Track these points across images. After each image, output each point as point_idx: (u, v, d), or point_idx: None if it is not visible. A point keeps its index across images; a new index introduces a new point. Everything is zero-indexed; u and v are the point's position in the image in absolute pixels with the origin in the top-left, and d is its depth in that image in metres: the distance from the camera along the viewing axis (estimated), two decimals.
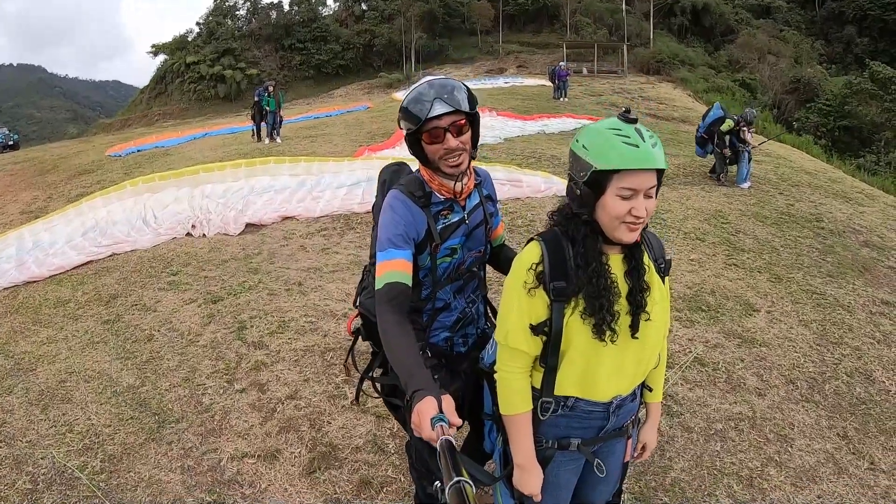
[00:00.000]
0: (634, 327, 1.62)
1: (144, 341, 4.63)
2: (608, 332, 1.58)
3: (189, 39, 51.95)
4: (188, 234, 7.38)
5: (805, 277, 6.17)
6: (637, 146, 1.47)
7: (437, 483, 1.20)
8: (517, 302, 1.64)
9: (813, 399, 4.05)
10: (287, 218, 7.94)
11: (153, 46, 53.55)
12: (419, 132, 1.85)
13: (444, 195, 1.93)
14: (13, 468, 3.27)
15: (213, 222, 7.64)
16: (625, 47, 35.96)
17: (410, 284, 1.80)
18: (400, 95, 24.76)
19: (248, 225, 7.64)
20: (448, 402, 1.41)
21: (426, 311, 2.05)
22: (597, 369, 1.65)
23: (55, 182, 11.86)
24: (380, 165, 10.13)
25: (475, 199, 2.04)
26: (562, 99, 21.86)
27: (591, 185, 1.53)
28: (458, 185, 1.92)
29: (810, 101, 32.72)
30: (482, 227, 2.06)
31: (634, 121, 1.53)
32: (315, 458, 3.24)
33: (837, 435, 3.67)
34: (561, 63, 24.20)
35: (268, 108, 14.02)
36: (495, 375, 1.74)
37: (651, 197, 1.53)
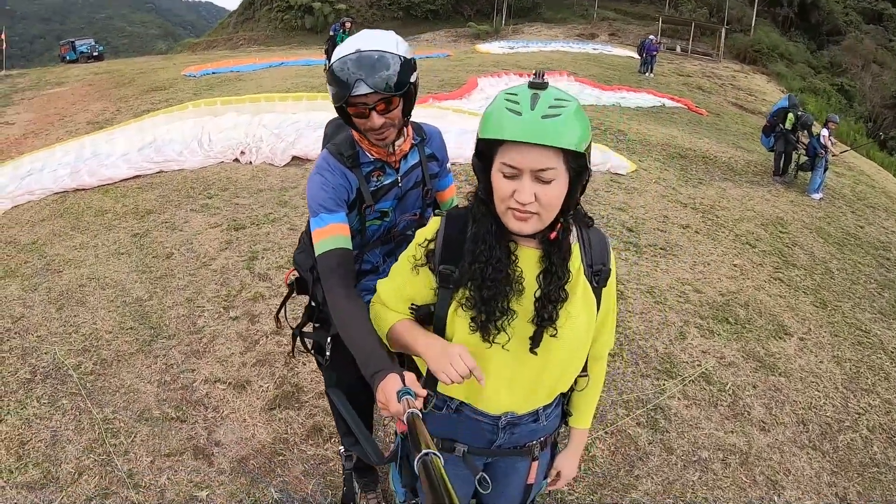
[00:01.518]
0: (535, 341, 1.35)
1: (163, 258, 4.88)
2: (494, 332, 1.33)
3: None
4: (235, 160, 7.60)
5: (853, 309, 5.52)
6: (520, 114, 1.16)
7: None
8: (400, 274, 1.48)
9: (821, 448, 3.59)
10: None
11: None
12: (344, 105, 1.74)
13: (374, 155, 1.82)
14: (19, 358, 3.59)
15: (261, 151, 7.81)
16: (723, 31, 33.37)
17: (351, 247, 1.73)
18: (484, 48, 24.13)
19: (294, 158, 7.77)
20: (410, 376, 1.33)
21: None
22: (487, 368, 1.38)
23: (127, 96, 12.39)
24: (440, 115, 10.00)
25: (413, 160, 1.90)
26: (647, 74, 20.72)
27: (480, 155, 1.29)
28: (389, 149, 1.81)
29: None
30: (418, 189, 1.95)
31: (541, 86, 1.20)
32: (278, 396, 3.37)
33: (836, 495, 3.25)
34: (651, 37, 22.83)
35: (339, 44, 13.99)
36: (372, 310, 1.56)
37: (548, 182, 1.20)
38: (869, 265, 6.80)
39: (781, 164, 9.67)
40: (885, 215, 9.32)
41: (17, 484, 2.68)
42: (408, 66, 1.70)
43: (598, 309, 1.44)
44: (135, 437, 2.99)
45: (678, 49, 32.29)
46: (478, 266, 1.31)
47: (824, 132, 9.22)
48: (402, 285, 1.46)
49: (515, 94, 1.20)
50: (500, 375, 1.40)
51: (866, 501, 3.22)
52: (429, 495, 0.94)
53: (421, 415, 1.19)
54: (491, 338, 1.33)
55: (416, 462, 1.02)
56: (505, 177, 1.22)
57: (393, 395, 1.25)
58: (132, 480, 2.73)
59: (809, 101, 23.20)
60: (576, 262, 1.39)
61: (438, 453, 1.02)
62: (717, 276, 5.49)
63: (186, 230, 5.43)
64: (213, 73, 15.07)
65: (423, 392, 1.30)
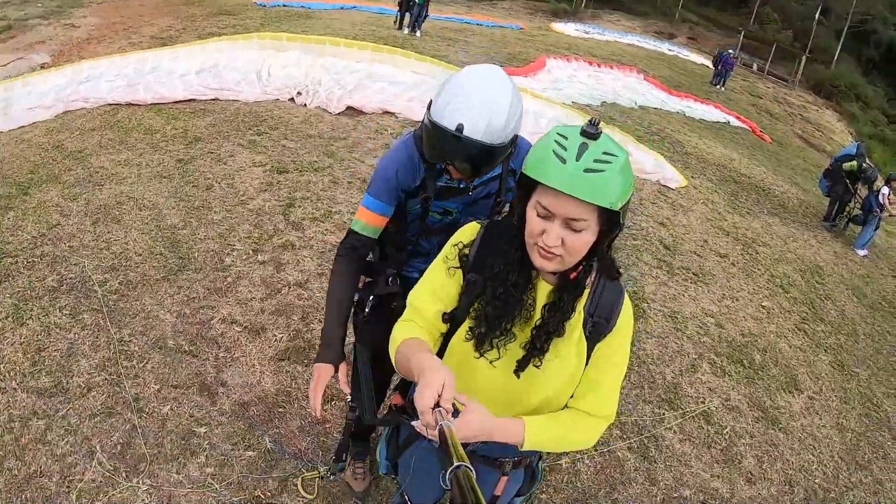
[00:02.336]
0: (521, 365, 1.38)
1: (203, 188, 4.97)
2: (487, 348, 1.38)
3: None
4: (291, 100, 7.62)
5: (869, 379, 5.36)
6: (563, 161, 1.17)
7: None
8: (435, 276, 1.49)
9: None
10: (388, 112, 7.99)
11: None
12: None
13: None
14: (49, 266, 3.73)
15: (318, 95, 7.82)
16: (804, 58, 31.91)
17: (376, 238, 1.97)
18: (559, 27, 23.51)
19: (349, 107, 7.76)
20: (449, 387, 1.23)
21: (407, 250, 2.12)
22: (469, 379, 1.45)
23: (195, 15, 12.41)
24: None
25: (494, 171, 1.92)
26: (718, 87, 20.07)
27: (521, 185, 1.30)
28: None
29: None
30: (491, 200, 1.98)
31: (594, 136, 1.19)
32: (290, 349, 3.45)
33: None
34: (730, 50, 22.04)
35: (415, 1, 13.80)
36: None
37: (580, 231, 1.22)
38: None
39: (834, 212, 9.34)
40: None
41: (28, 388, 2.82)
42: (504, 149, 1.75)
43: (587, 360, 1.42)
44: (146, 363, 3.11)
45: (754, 67, 31.12)
46: (493, 284, 1.37)
47: (885, 190, 8.85)
48: (437, 287, 1.47)
49: (566, 139, 1.20)
50: (481, 388, 1.43)
51: None
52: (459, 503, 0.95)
53: (454, 428, 1.12)
54: (482, 351, 1.39)
55: (448, 474, 1.00)
56: (538, 216, 1.25)
57: (429, 405, 1.15)
58: (137, 405, 2.85)
59: (876, 149, 22.23)
60: (580, 309, 1.39)
61: (471, 466, 1.01)
62: (743, 314, 5.38)
63: (230, 164, 5.50)
64: (284, 5, 14.98)
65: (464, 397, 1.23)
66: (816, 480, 3.81)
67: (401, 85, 8.80)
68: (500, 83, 1.71)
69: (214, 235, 4.37)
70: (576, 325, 1.39)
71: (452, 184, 1.90)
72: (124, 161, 5.24)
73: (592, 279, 1.41)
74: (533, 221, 1.26)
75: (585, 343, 1.41)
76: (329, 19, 14.06)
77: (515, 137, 1.79)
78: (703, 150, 10.15)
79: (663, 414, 3.80)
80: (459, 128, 1.64)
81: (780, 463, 3.80)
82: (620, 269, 1.46)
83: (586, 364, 1.43)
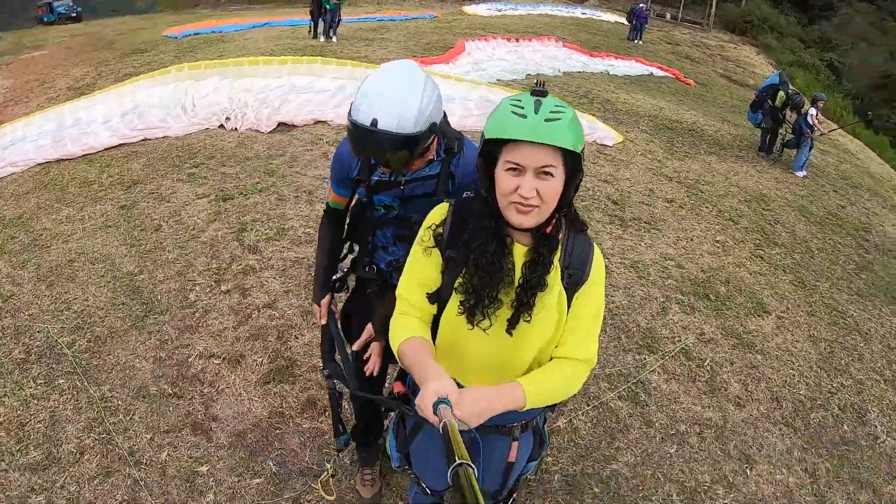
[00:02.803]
0: (512, 323, 1.46)
1: (152, 230, 4.83)
2: (479, 318, 1.45)
3: None
4: (221, 126, 7.46)
5: (831, 290, 5.58)
6: (525, 116, 1.29)
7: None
8: (416, 259, 1.56)
9: (793, 424, 3.70)
10: (320, 122, 7.91)
11: None
12: None
13: None
14: (12, 338, 3.58)
15: (247, 117, 7.68)
16: (714, 0, 32.99)
17: (342, 208, 2.25)
18: (472, 10, 23.52)
19: (280, 124, 7.64)
20: (451, 386, 1.29)
21: (369, 240, 2.22)
22: (462, 355, 1.55)
23: (107, 59, 11.98)
24: None
25: (431, 171, 1.94)
26: (636, 41, 20.41)
27: (484, 155, 1.41)
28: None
29: None
30: (428, 200, 1.92)
31: (543, 94, 1.34)
32: (272, 371, 3.41)
33: (805, 471, 3.36)
34: (641, 3, 22.43)
35: (327, 6, 13.64)
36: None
37: (547, 177, 1.33)
38: (849, 246, 6.84)
39: (767, 141, 9.66)
40: (867, 196, 9.34)
41: (19, 466, 2.72)
42: (421, 138, 1.78)
43: (567, 310, 1.50)
44: (133, 414, 3.03)
45: (668, 16, 31.84)
46: (475, 256, 1.44)
47: (812, 111, 9.17)
48: (418, 272, 1.55)
49: (519, 100, 1.34)
50: (481, 356, 1.53)
51: (835, 478, 3.35)
52: (459, 502, 0.99)
53: (456, 425, 1.16)
54: (475, 322, 1.46)
55: (449, 472, 1.04)
56: (509, 172, 1.34)
57: (430, 401, 1.22)
58: (133, 458, 2.79)
59: (797, 75, 23.02)
60: (556, 268, 1.48)
61: (472, 464, 1.03)
62: (700, 252, 5.56)
63: (174, 201, 5.36)
64: (196, 33, 14.62)
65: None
66: (801, 392, 3.99)
67: (326, 92, 8.72)
68: (410, 75, 1.79)
69: (173, 274, 4.27)
70: (555, 279, 1.47)
71: (384, 178, 1.98)
72: (66, 218, 5.05)
73: (563, 235, 1.50)
74: (505, 181, 1.35)
75: (565, 294, 1.49)
76: (243, 40, 13.77)
77: (434, 125, 1.80)
78: (632, 104, 10.39)
79: (644, 359, 3.93)
80: (374, 122, 1.70)
81: (763, 383, 3.97)
82: (585, 223, 1.54)
83: (567, 313, 1.50)
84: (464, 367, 1.56)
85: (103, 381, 3.24)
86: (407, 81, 1.77)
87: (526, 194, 1.32)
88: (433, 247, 1.52)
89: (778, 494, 3.13)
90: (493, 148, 1.36)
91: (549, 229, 1.43)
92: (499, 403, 1.37)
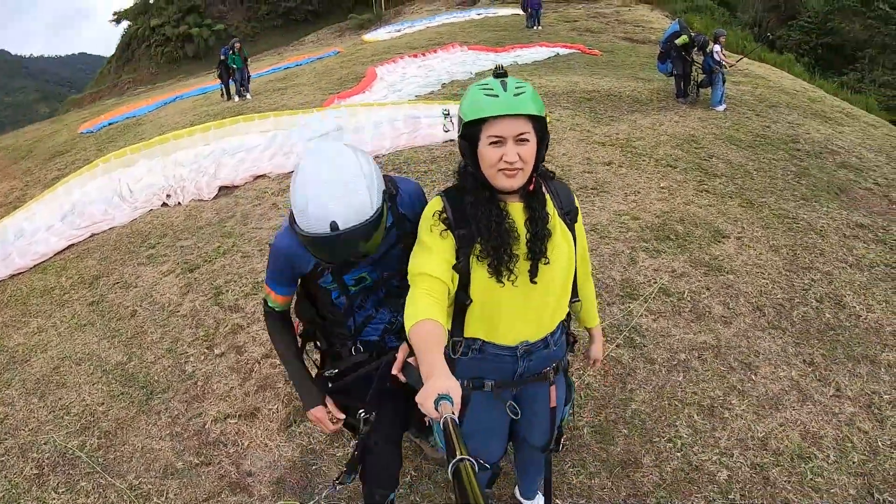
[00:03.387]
0: (533, 272, 1.66)
1: (128, 318, 4.74)
2: (506, 273, 1.62)
3: (151, 2, 49.22)
4: (164, 205, 7.35)
5: (778, 202, 5.84)
6: (497, 95, 1.52)
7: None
8: (431, 241, 1.64)
9: (780, 326, 3.89)
10: (259, 177, 7.88)
11: (115, 14, 51.01)
12: None
13: None
14: (19, 457, 3.44)
15: (186, 189, 7.59)
16: None
17: (288, 307, 2.07)
18: (371, 37, 23.70)
19: (221, 188, 7.58)
20: (454, 384, 1.31)
21: (349, 325, 2.05)
22: (497, 312, 1.70)
23: (31, 168, 11.60)
24: (350, 114, 9.84)
25: (388, 222, 1.83)
26: (535, 27, 20.82)
27: (466, 137, 1.59)
28: None
29: (792, 19, 31.01)
30: (397, 248, 1.90)
31: (504, 74, 1.58)
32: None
33: (804, 362, 3.55)
34: None
35: (234, 67, 13.60)
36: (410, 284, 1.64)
37: (524, 143, 1.54)
38: (783, 159, 7.16)
39: (682, 86, 9.95)
40: (787, 111, 9.73)
41: None
42: (382, 210, 1.70)
43: (574, 241, 1.78)
44: (166, 494, 2.98)
45: None
46: (483, 224, 1.62)
47: (716, 48, 9.52)
48: (437, 251, 1.64)
49: (487, 83, 1.57)
50: (513, 308, 1.71)
51: (832, 361, 3.57)
52: (458, 499, 0.98)
53: (457, 421, 1.19)
54: (504, 278, 1.63)
55: (449, 467, 1.05)
56: (494, 146, 1.54)
57: (431, 398, 1.25)
58: None
59: (694, 19, 23.79)
60: (550, 208, 1.73)
61: (472, 459, 1.05)
62: (649, 200, 5.77)
63: (141, 285, 5.27)
64: (110, 123, 14.29)
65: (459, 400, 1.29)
66: (778, 296, 4.22)
67: (257, 147, 8.69)
68: (342, 159, 1.67)
69: (163, 353, 4.20)
70: (555, 220, 1.73)
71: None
72: (37, 328, 4.88)
73: (545, 188, 1.73)
74: (490, 152, 1.55)
75: (568, 230, 1.77)
76: (159, 119, 13.55)
77: (384, 189, 1.73)
78: (547, 86, 10.66)
79: (629, 307, 4.08)
80: (333, 225, 1.60)
81: (741, 298, 4.18)
82: (552, 171, 1.78)
83: (574, 244, 1.79)
84: (499, 328, 1.74)
85: (126, 472, 3.16)
86: (339, 164, 1.66)
87: (511, 159, 1.53)
88: (446, 229, 1.64)
89: (786, 388, 3.32)
90: (473, 129, 1.56)
91: (531, 187, 1.66)
92: (597, 340, 2.16)
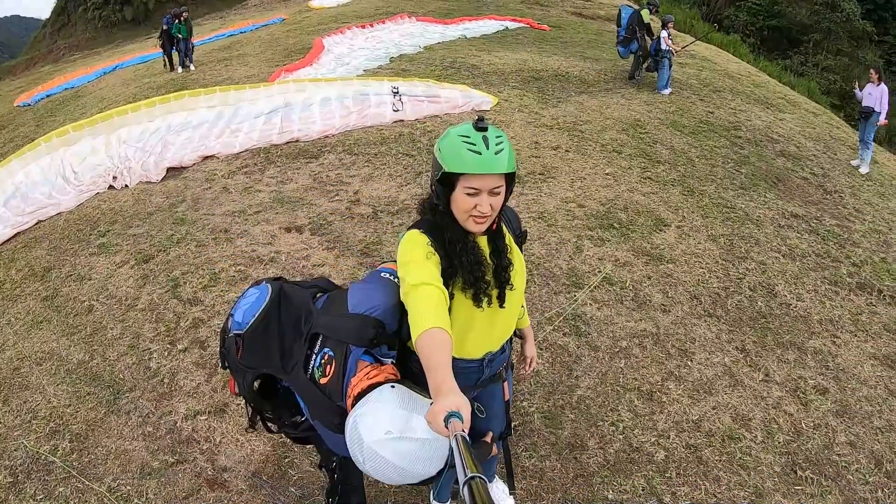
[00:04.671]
0: (501, 299, 1.82)
1: (85, 313, 4.65)
2: (485, 299, 1.78)
3: None
4: (111, 187, 7.09)
5: (717, 190, 6.01)
6: (480, 153, 1.60)
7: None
8: (425, 261, 1.67)
9: (715, 314, 4.13)
10: (208, 157, 7.69)
11: None
12: None
13: None
14: None
15: (133, 171, 7.32)
16: None
17: None
18: (318, 3, 22.80)
19: (169, 169, 7.37)
20: (463, 402, 1.32)
21: None
22: (468, 334, 1.86)
23: None
24: (297, 89, 9.61)
25: None
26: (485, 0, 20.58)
27: (442, 182, 1.68)
28: None
29: (740, 0, 31.58)
30: None
31: (484, 129, 1.64)
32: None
33: (736, 348, 3.81)
34: None
35: (179, 36, 12.91)
36: (403, 296, 1.66)
37: (497, 195, 1.67)
38: (724, 147, 7.37)
39: (640, 63, 9.97)
40: (730, 96, 9.94)
41: None
42: None
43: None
44: (146, 494, 3.04)
45: None
46: (465, 260, 1.75)
47: (664, 34, 9.63)
48: (431, 267, 1.68)
49: (469, 137, 1.63)
50: (482, 328, 1.88)
51: (762, 347, 3.90)
52: None
53: (468, 438, 1.20)
54: (483, 304, 1.79)
55: (462, 486, 1.04)
56: (469, 196, 1.65)
57: (441, 416, 1.25)
58: None
59: None
60: (508, 238, 1.89)
61: (484, 477, 1.05)
62: (595, 187, 5.93)
63: (95, 277, 5.15)
64: (48, 95, 13.43)
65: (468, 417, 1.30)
66: (714, 285, 4.50)
67: (204, 124, 8.42)
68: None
69: (125, 350, 4.18)
70: (513, 248, 1.91)
71: None
72: None
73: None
74: (465, 201, 1.66)
75: (519, 252, 1.96)
76: (99, 91, 12.85)
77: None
78: (496, 63, 10.68)
79: (575, 296, 4.32)
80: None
81: (680, 287, 4.46)
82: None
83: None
84: (467, 347, 1.90)
85: (103, 474, 3.20)
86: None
87: (484, 211, 1.66)
88: (434, 253, 1.71)
89: (719, 374, 3.64)
90: (450, 175, 1.65)
91: (494, 226, 1.81)
92: (530, 342, 2.38)
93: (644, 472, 3.02)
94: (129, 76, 13.90)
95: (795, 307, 4.33)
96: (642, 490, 2.95)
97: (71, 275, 5.25)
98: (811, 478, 3.05)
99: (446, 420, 1.22)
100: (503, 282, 1.82)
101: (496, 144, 1.63)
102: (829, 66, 23.34)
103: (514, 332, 2.21)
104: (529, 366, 2.37)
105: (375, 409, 1.50)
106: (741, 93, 10.44)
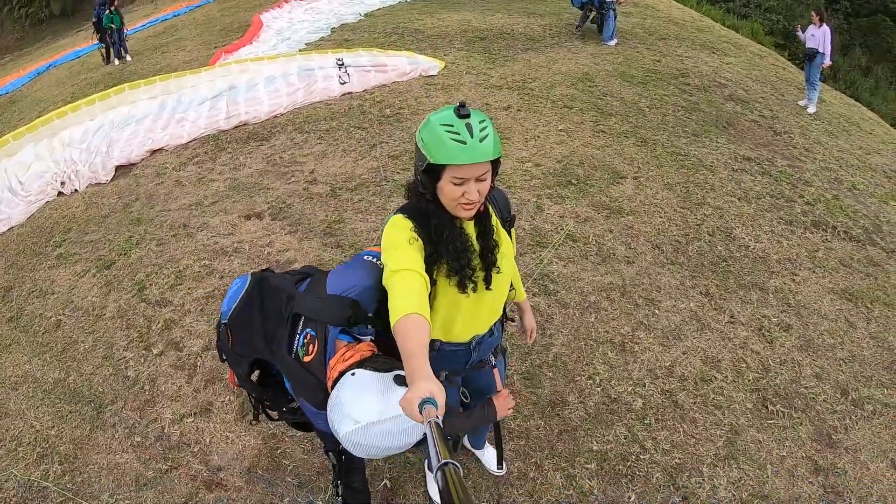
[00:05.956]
0: (488, 281, 1.79)
1: (53, 330, 4.48)
2: (470, 286, 1.75)
3: None
4: (60, 194, 6.76)
5: (670, 139, 5.96)
6: (465, 143, 1.53)
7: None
8: (407, 246, 1.64)
9: (678, 261, 4.15)
10: (156, 151, 7.36)
11: None
12: None
13: None
14: None
15: (81, 174, 6.98)
16: None
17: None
18: None
19: (118, 168, 7.04)
20: (438, 388, 1.30)
21: None
22: (455, 318, 1.84)
23: None
24: (240, 70, 9.19)
25: None
26: None
27: (428, 172, 1.62)
28: None
29: None
30: None
31: (467, 115, 1.56)
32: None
33: (700, 293, 3.86)
34: None
35: (113, 26, 12.10)
36: (385, 281, 1.62)
37: (484, 181, 1.62)
38: (673, 94, 7.30)
39: (587, 15, 9.75)
40: (676, 43, 9.83)
41: None
42: None
43: (513, 242, 1.96)
44: None
45: None
46: (451, 247, 1.71)
47: None
48: (413, 253, 1.65)
49: (452, 126, 1.56)
50: (469, 311, 1.85)
51: (725, 290, 3.97)
52: (445, 501, 0.96)
53: (441, 424, 1.19)
54: (469, 290, 1.76)
55: (435, 471, 1.03)
56: (454, 184, 1.60)
57: (415, 403, 1.24)
58: None
59: None
60: (494, 218, 1.84)
61: (456, 463, 1.03)
62: (549, 145, 5.86)
63: (58, 291, 4.94)
64: None
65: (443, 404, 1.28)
66: (674, 233, 4.53)
67: (147, 117, 8.05)
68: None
69: (100, 362, 4.05)
70: (499, 230, 1.85)
71: None
72: None
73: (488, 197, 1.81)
74: (452, 190, 1.61)
75: (507, 235, 1.90)
76: (34, 93, 12.05)
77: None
78: (440, 26, 10.38)
79: (540, 255, 4.34)
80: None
81: (641, 237, 4.48)
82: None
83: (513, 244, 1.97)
84: (454, 330, 1.88)
85: (99, 492, 3.13)
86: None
87: (472, 198, 1.61)
88: (417, 240, 1.67)
89: (686, 319, 3.73)
90: (436, 167, 1.59)
91: (482, 209, 1.77)
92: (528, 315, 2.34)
93: (624, 420, 3.11)
94: (64, 75, 13.08)
95: (754, 248, 4.42)
96: (625, 439, 3.05)
97: (33, 291, 5.03)
98: (782, 411, 3.19)
99: (420, 406, 1.21)
100: (490, 264, 1.78)
101: (480, 131, 1.55)
102: (771, 6, 23.26)
103: (512, 306, 2.26)
104: (530, 337, 2.37)
105: (342, 402, 1.50)
106: (686, 39, 10.37)
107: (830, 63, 7.99)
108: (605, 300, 3.91)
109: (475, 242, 1.77)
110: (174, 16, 17.15)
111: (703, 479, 2.91)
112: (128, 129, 7.84)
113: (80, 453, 3.39)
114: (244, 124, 7.62)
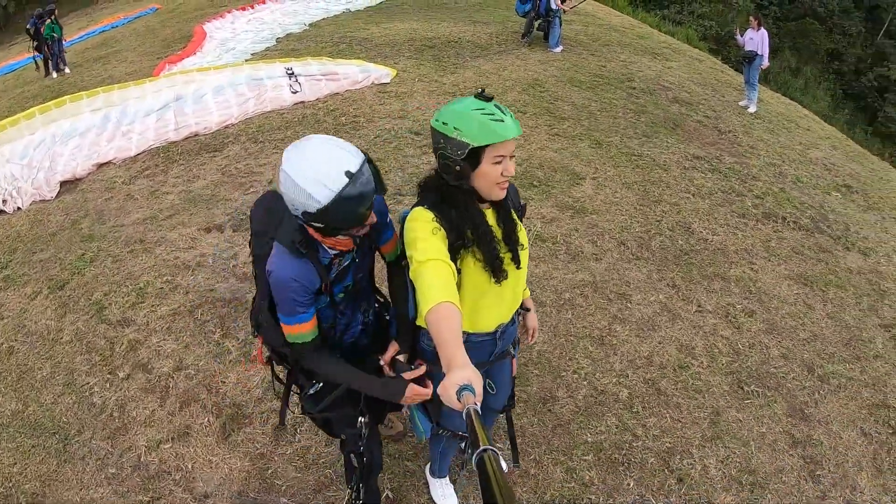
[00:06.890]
0: (517, 260, 1.78)
1: (6, 357, 4.07)
2: (503, 274, 1.73)
3: None
4: (1, 213, 6.22)
5: (623, 140, 6.01)
6: (503, 121, 1.59)
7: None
8: (432, 237, 1.62)
9: (643, 256, 4.19)
10: (103, 164, 6.89)
11: None
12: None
13: (337, 249, 1.76)
14: None
15: (23, 190, 6.45)
16: None
17: (318, 333, 1.83)
18: None
19: (63, 183, 6.54)
20: (475, 374, 1.27)
21: (334, 335, 1.98)
22: (480, 307, 1.81)
23: None
24: (185, 81, 8.73)
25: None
26: None
27: (468, 159, 1.61)
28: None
29: None
30: (367, 248, 1.93)
31: (491, 98, 1.63)
32: (225, 423, 3.22)
33: (668, 285, 3.90)
34: None
35: (55, 36, 11.27)
36: (412, 274, 1.60)
37: (514, 157, 1.67)
38: (621, 98, 7.41)
39: (531, 24, 9.71)
40: (619, 49, 9.96)
41: None
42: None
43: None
44: None
45: None
46: (479, 234, 1.70)
47: None
48: (437, 243, 1.63)
49: (485, 108, 1.60)
50: (495, 298, 1.82)
51: (690, 282, 4.03)
52: (484, 489, 0.93)
53: (479, 411, 1.16)
54: (502, 278, 1.74)
55: (474, 457, 1.00)
56: (495, 163, 1.62)
57: (453, 390, 1.20)
58: None
59: None
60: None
61: (495, 449, 1.00)
62: None
63: (8, 315, 4.50)
64: None
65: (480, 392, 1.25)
66: (636, 230, 4.58)
67: (92, 130, 7.54)
68: (310, 141, 1.61)
69: (61, 390, 3.69)
70: (512, 213, 1.84)
71: (342, 263, 1.81)
72: None
73: None
74: (493, 171, 1.64)
75: (520, 222, 1.89)
76: None
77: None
78: (387, 35, 10.18)
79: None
80: (348, 174, 1.52)
81: (606, 235, 4.51)
82: None
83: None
84: (481, 320, 1.85)
85: None
86: (312, 143, 1.59)
87: (511, 172, 1.65)
88: (440, 229, 1.66)
89: (658, 311, 3.75)
90: (478, 151, 1.60)
91: None
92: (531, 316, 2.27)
93: (613, 411, 3.07)
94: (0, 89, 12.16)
95: (712, 241, 4.52)
96: (616, 428, 3.01)
97: None
98: (756, 391, 3.23)
99: (458, 393, 1.19)
100: (514, 244, 1.77)
101: (506, 110, 1.64)
102: (703, 13, 24.13)
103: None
104: (532, 337, 2.31)
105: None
106: (628, 45, 10.52)
107: (768, 64, 8.29)
108: (578, 297, 3.89)
109: (496, 228, 1.77)
110: (112, 27, 16.22)
111: (695, 461, 2.92)
112: (71, 143, 7.32)
113: (49, 490, 3.06)
114: (195, 135, 7.23)
